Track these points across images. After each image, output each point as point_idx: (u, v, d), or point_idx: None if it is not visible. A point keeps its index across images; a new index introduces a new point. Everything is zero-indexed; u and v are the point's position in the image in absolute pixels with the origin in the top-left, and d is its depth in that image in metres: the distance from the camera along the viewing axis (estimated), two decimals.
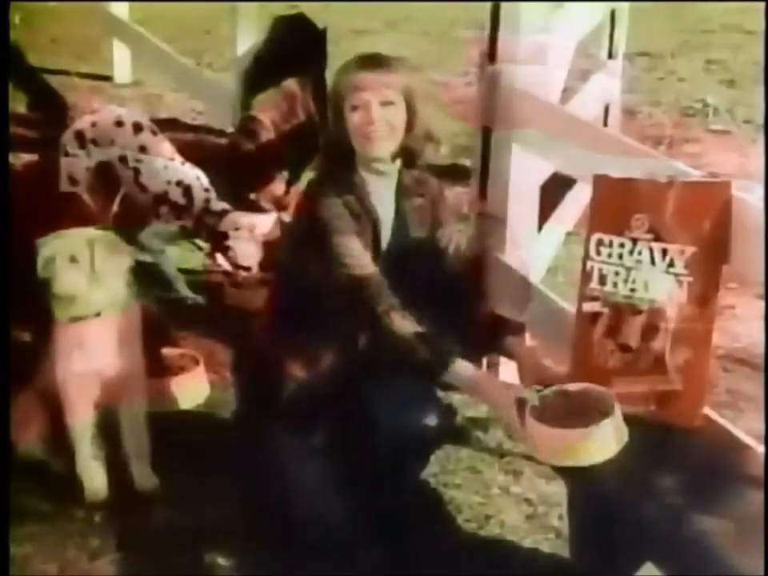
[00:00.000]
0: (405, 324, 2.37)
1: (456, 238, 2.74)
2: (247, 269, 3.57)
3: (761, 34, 5.54)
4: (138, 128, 3.96)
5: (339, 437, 2.52)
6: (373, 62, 2.55)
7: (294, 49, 4.47)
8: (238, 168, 4.37)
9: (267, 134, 4.40)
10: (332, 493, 2.54)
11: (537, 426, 2.12)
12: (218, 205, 3.86)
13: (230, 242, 3.73)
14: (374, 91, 2.49)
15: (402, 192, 2.65)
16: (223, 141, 5.17)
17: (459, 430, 3.09)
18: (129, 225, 3.99)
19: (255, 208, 4.12)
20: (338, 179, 2.54)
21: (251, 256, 3.35)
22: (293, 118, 4.40)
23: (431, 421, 2.53)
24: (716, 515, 1.91)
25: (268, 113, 4.42)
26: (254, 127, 4.40)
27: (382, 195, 2.60)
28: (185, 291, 3.88)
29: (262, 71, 4.54)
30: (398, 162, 2.61)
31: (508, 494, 2.85)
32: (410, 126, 2.55)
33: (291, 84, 4.46)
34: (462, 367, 2.33)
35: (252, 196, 4.26)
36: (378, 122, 2.49)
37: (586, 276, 2.21)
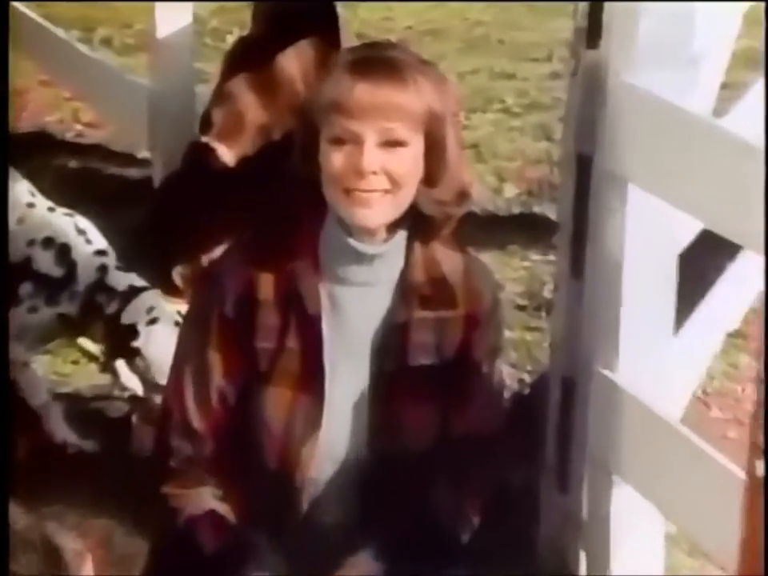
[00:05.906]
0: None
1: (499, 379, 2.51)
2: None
3: None
4: None
5: None
6: (377, 64, 2.24)
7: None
8: (165, 221, 4.08)
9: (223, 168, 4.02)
10: None
11: None
12: (122, 278, 3.40)
13: (138, 343, 3.28)
14: (372, 121, 2.21)
15: (403, 289, 2.36)
16: (133, 172, 4.90)
17: None
18: None
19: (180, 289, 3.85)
20: (273, 248, 2.32)
21: None
22: (276, 128, 3.97)
23: None
24: None
25: (235, 130, 4.04)
26: (206, 160, 4.01)
27: (359, 290, 2.36)
28: (63, 432, 3.43)
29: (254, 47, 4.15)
30: (401, 236, 2.32)
31: None
32: (431, 179, 2.28)
33: (287, 60, 4.07)
34: None
35: (179, 269, 3.94)
36: (372, 174, 2.23)
37: (762, 410, 1.79)
